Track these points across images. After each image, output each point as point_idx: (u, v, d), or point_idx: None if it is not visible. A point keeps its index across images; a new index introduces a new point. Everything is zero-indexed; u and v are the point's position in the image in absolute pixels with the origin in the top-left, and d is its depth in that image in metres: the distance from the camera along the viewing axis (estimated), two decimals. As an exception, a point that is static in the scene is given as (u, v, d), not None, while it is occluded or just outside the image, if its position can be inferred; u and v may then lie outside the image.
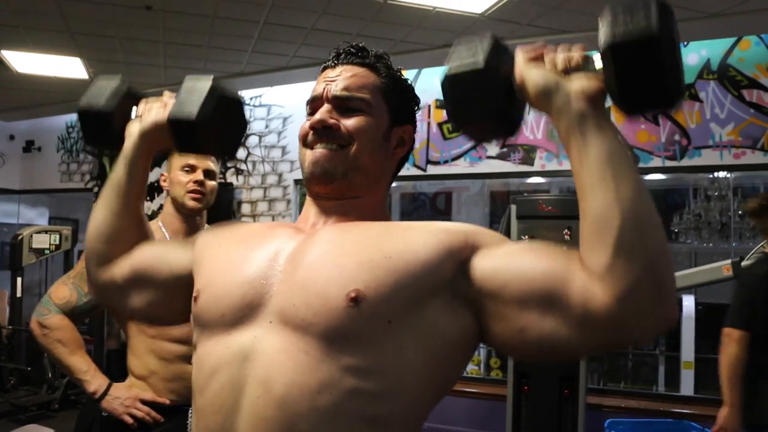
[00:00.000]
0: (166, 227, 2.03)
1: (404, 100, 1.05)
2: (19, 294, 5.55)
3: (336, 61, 1.02)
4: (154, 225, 2.07)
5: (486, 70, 0.84)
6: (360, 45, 1.03)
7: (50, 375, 5.20)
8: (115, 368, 2.62)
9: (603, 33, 0.78)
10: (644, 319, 0.75)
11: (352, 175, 0.97)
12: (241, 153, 5.21)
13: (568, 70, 0.82)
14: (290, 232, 0.98)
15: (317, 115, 0.97)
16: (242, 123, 1.17)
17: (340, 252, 0.88)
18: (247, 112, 5.17)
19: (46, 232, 5.70)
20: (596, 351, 0.78)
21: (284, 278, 0.88)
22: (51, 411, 4.94)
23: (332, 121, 0.96)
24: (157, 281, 1.09)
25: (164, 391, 1.92)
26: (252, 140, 5.17)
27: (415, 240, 0.88)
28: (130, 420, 1.89)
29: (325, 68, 1.04)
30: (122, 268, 1.11)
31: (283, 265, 0.90)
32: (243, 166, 5.20)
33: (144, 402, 1.91)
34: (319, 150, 0.97)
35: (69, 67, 4.52)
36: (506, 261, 0.85)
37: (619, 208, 0.76)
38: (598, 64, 0.82)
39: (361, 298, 0.81)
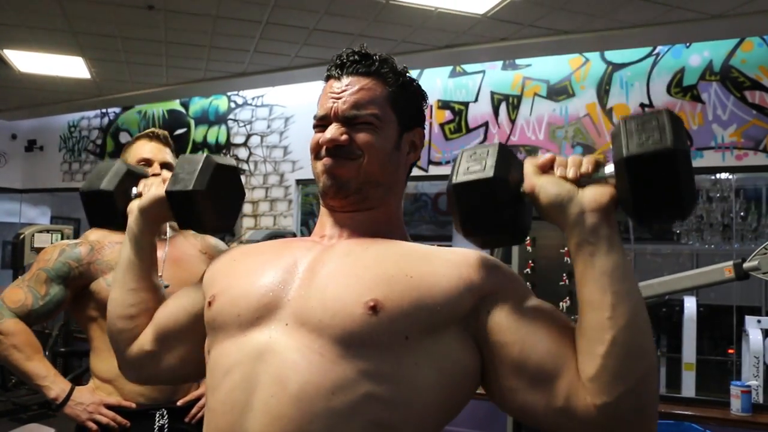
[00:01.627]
0: None
1: (412, 104, 1.05)
2: (20, 293, 5.54)
3: (340, 72, 1.01)
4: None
5: (495, 179, 0.82)
6: (363, 51, 1.01)
7: (51, 374, 5.20)
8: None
9: (618, 145, 0.78)
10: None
11: (366, 189, 0.98)
12: (243, 153, 5.22)
13: (579, 180, 0.82)
14: (307, 245, 0.99)
15: (327, 134, 0.97)
16: (240, 190, 1.19)
17: (358, 264, 0.90)
18: (249, 111, 5.18)
19: (47, 231, 5.70)
20: None
21: (302, 284, 0.89)
22: (52, 410, 4.94)
23: (343, 138, 0.96)
24: (181, 332, 1.08)
25: (132, 394, 1.83)
26: (254, 140, 5.17)
27: (437, 269, 0.88)
28: (93, 426, 1.80)
29: (329, 77, 1.03)
30: (147, 335, 1.11)
31: (301, 273, 0.91)
32: (245, 166, 5.20)
33: (109, 407, 1.82)
34: (333, 161, 0.97)
35: (71, 66, 4.53)
36: (518, 322, 0.86)
37: (613, 329, 0.77)
38: (608, 169, 0.81)
39: (380, 308, 0.82)
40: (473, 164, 0.85)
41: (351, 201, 0.98)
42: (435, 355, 0.85)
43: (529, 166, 0.85)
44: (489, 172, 0.83)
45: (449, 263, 0.89)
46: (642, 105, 3.80)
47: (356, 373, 0.81)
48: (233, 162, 1.16)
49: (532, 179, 0.84)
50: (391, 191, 1.03)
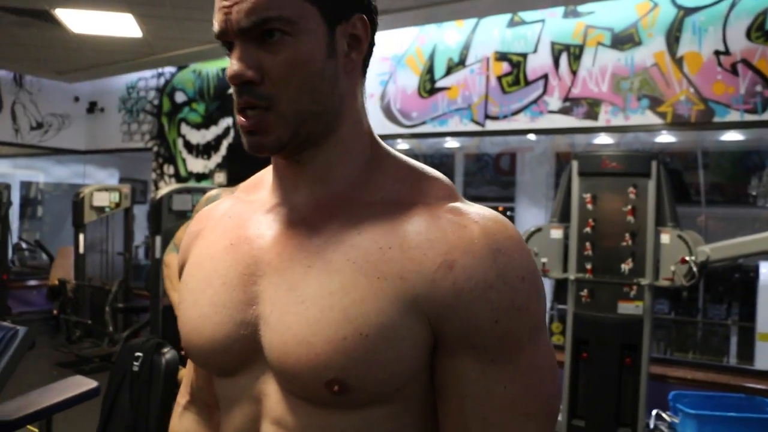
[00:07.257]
0: None
1: None
2: (81, 250, 5.72)
3: None
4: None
5: None
6: None
7: (111, 329, 5.37)
8: (170, 325, 2.66)
9: None
10: None
11: (302, 129, 0.73)
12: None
13: None
14: (260, 228, 0.79)
15: (232, 64, 0.71)
16: None
17: (303, 309, 0.71)
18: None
19: (105, 190, 5.84)
20: None
21: (264, 322, 0.75)
22: (112, 363, 5.11)
23: (251, 73, 0.70)
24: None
25: None
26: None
27: (389, 304, 0.68)
28: None
29: None
30: None
31: (259, 305, 0.76)
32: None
33: None
34: (248, 115, 0.72)
35: (122, 24, 4.52)
36: (476, 385, 0.68)
37: None
38: None
39: (345, 389, 0.68)
40: None
41: (287, 153, 0.76)
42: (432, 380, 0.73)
43: None
44: None
45: (418, 271, 0.68)
46: (716, 52, 3.48)
47: (359, 419, 0.71)
48: None
49: None
50: (340, 114, 0.76)
